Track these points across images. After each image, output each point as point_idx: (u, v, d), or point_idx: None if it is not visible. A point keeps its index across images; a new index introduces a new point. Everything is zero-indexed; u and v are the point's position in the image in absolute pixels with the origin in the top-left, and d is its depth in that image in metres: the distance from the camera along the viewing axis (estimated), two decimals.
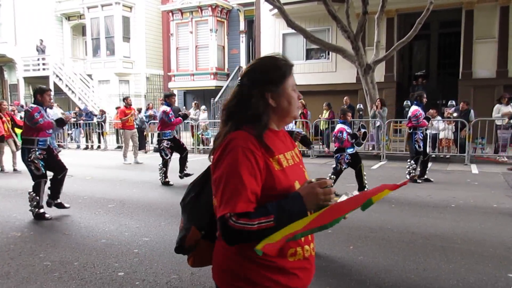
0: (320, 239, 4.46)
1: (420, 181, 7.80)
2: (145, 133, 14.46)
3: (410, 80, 16.85)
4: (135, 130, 12.06)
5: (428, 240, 4.39)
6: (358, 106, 12.84)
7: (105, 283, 3.42)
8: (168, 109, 7.95)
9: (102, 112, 16.01)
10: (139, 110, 15.01)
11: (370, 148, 12.20)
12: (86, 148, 15.62)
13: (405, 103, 12.25)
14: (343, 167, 6.78)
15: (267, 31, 17.22)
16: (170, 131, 8.03)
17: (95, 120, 15.78)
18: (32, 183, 5.49)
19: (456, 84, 13.87)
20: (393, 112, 14.13)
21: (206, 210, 1.55)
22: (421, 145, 7.77)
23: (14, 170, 9.72)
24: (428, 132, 10.96)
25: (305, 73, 16.44)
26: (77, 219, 5.42)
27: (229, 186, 1.31)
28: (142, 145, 14.24)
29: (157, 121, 8.96)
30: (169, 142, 7.97)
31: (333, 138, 7.16)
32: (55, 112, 13.14)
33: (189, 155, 12.82)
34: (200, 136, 14.25)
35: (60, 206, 5.72)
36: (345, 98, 13.02)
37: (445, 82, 15.45)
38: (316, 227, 1.28)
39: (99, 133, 15.76)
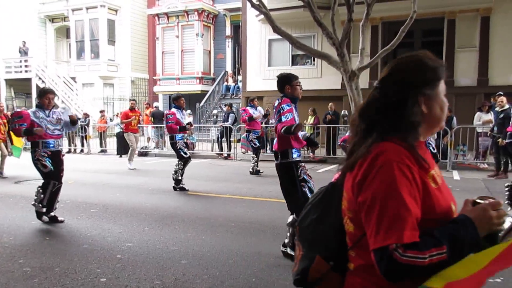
0: None
1: None
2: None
3: None
4: (138, 134, 11.81)
5: None
6: (343, 112, 12.96)
7: None
8: (171, 111, 7.73)
9: (86, 116, 15.80)
10: None
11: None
12: (69, 151, 15.38)
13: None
14: None
15: (253, 36, 17.28)
16: (182, 135, 7.84)
17: (78, 123, 15.56)
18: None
19: None
20: None
21: (333, 237, 1.30)
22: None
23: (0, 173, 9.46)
24: None
25: None
26: (58, 224, 5.31)
27: (389, 210, 1.08)
28: (127, 149, 14.09)
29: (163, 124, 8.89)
30: (183, 143, 7.89)
31: (340, 144, 7.20)
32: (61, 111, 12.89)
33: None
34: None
35: (54, 220, 5.39)
36: (330, 104, 13.13)
37: None
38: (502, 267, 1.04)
39: (82, 136, 15.55)
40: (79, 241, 4.63)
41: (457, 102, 13.30)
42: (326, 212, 1.35)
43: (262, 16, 14.19)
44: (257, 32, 17.13)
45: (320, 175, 9.55)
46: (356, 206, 1.17)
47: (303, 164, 3.97)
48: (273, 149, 4.05)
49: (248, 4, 13.72)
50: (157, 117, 14.55)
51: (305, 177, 3.87)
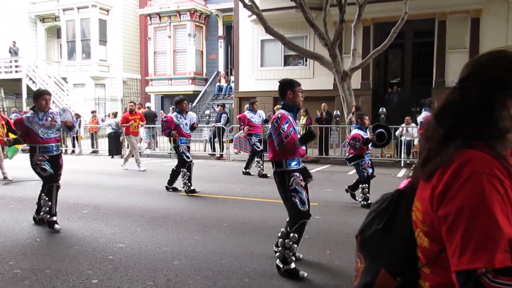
0: None
1: None
2: (121, 137, 14.26)
3: (386, 87, 17.19)
4: (138, 137, 11.51)
5: None
6: (335, 113, 13.01)
7: None
8: (169, 117, 7.56)
9: (77, 116, 15.67)
10: (115, 115, 14.80)
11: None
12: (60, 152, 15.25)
13: (380, 110, 12.48)
14: (370, 172, 6.47)
15: (246, 37, 17.29)
16: (186, 138, 7.55)
17: (76, 127, 15.45)
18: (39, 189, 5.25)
19: (430, 93, 14.22)
20: (369, 118, 14.32)
21: (401, 250, 1.18)
22: None
23: None
24: (402, 138, 11.21)
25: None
26: None
27: (477, 228, 0.96)
28: (118, 150, 14.03)
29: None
30: (186, 147, 7.56)
31: (346, 144, 6.72)
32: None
33: (166, 160, 12.76)
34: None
35: (51, 225, 5.06)
36: (322, 104, 13.17)
37: (419, 90, 15.82)
38: None
39: (73, 137, 15.44)
40: (70, 242, 4.59)
41: None
42: (392, 222, 1.22)
43: (254, 17, 14.22)
44: (249, 32, 17.14)
45: (312, 174, 9.55)
46: (435, 219, 1.05)
47: (297, 174, 3.77)
48: (268, 158, 3.94)
49: (241, 5, 13.73)
50: (149, 117, 14.49)
51: (296, 187, 3.71)
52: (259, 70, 17.10)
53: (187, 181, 7.34)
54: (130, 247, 4.41)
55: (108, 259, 4.04)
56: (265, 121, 9.60)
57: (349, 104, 12.75)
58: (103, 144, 15.12)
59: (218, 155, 13.26)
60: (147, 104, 16.88)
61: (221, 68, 21.47)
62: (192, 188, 7.34)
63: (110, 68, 22.09)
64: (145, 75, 22.63)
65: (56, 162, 5.25)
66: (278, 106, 12.91)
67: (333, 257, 4.09)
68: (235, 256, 4.11)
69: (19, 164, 8.68)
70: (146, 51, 22.49)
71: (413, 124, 11.45)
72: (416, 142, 11.33)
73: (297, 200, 3.66)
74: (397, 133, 11.35)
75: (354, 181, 6.78)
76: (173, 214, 5.86)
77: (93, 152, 15.23)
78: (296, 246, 3.65)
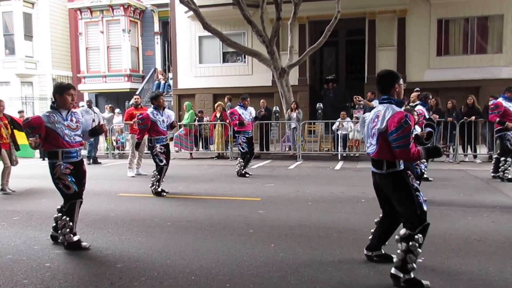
0: (242, 238, 4.54)
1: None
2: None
3: (322, 83, 17.80)
4: (145, 136, 10.61)
5: (342, 233, 4.69)
6: (274, 109, 13.25)
7: None
8: (149, 112, 7.10)
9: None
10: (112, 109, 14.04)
11: (287, 149, 12.64)
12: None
13: (317, 105, 12.89)
14: (422, 167, 6.13)
15: (183, 33, 17.04)
16: (163, 136, 7.13)
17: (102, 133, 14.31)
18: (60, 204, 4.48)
19: (363, 88, 14.93)
20: (307, 114, 14.80)
21: None
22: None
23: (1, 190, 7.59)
24: (339, 133, 11.69)
25: (222, 76, 16.56)
26: None
27: None
28: None
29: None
30: (162, 147, 7.09)
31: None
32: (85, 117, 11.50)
33: (103, 161, 12.27)
34: (114, 140, 13.65)
35: (75, 246, 4.33)
36: (261, 100, 13.34)
37: (353, 86, 16.57)
38: None
39: None
40: (1, 251, 4.29)
41: (379, 97, 14.27)
42: None
43: (191, 13, 14.05)
44: (186, 28, 16.92)
45: (254, 170, 9.70)
46: None
47: (409, 172, 3.44)
48: (377, 157, 3.45)
49: (177, 0, 13.50)
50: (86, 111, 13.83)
51: (418, 187, 3.41)
52: (197, 67, 16.95)
53: (156, 182, 7.04)
54: (69, 252, 4.22)
55: (45, 267, 3.83)
56: (255, 119, 9.27)
57: (287, 100, 13.05)
58: None
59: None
60: (81, 103, 16.08)
61: (158, 65, 20.99)
62: (159, 190, 7.04)
63: (37, 65, 20.76)
64: (77, 72, 21.55)
65: (80, 170, 4.51)
66: (220, 103, 12.91)
67: (277, 249, 4.20)
68: (181, 255, 4.08)
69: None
70: (77, 47, 21.41)
71: (348, 119, 11.97)
72: (351, 135, 11.87)
73: (421, 200, 3.31)
74: (333, 127, 11.81)
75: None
76: (113, 216, 5.68)
77: None
78: (419, 250, 3.26)
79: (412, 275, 3.24)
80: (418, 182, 5.42)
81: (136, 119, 7.59)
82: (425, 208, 3.29)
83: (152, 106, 7.22)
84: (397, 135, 3.20)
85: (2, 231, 5.04)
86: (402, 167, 3.38)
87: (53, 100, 4.37)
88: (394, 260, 3.44)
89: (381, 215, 3.79)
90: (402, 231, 3.34)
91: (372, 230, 3.83)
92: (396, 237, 3.38)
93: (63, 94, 4.28)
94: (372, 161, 3.57)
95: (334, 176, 8.97)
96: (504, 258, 3.83)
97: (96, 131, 4.69)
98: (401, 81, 3.49)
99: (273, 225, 5.06)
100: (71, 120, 4.37)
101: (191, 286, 3.37)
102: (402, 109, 3.45)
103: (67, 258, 4.07)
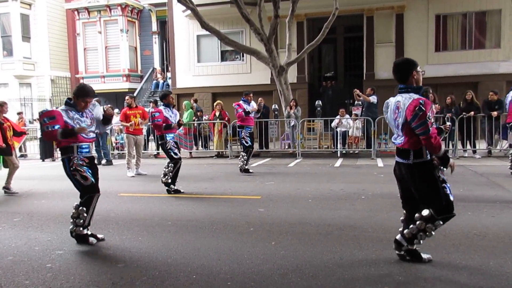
0: (242, 237, 4.55)
1: None
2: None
3: (320, 81, 17.79)
4: (142, 136, 10.14)
5: (343, 230, 4.70)
6: (273, 107, 13.25)
7: None
8: (158, 109, 7.21)
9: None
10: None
11: (286, 147, 12.65)
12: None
13: (316, 102, 12.90)
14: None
15: (181, 32, 17.03)
16: (173, 134, 7.23)
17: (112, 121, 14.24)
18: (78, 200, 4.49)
19: (361, 85, 14.94)
20: (306, 111, 14.81)
21: None
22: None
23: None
24: (338, 130, 11.69)
25: (221, 74, 16.57)
26: None
27: None
28: (51, 153, 13.24)
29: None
30: (174, 143, 7.20)
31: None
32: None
33: (103, 161, 12.24)
34: (114, 140, 13.65)
35: (83, 239, 4.44)
36: (260, 99, 13.34)
37: (352, 83, 16.55)
38: None
39: None
40: (2, 253, 4.30)
41: (378, 94, 14.20)
42: None
43: (189, 12, 14.05)
44: (184, 28, 16.91)
45: (254, 168, 9.70)
46: None
47: (435, 163, 3.45)
48: (404, 146, 3.48)
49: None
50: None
51: (444, 177, 3.47)
52: (196, 66, 16.95)
53: (168, 178, 7.03)
54: (70, 253, 4.22)
55: (46, 268, 3.84)
56: (258, 111, 9.43)
57: (286, 98, 13.05)
58: (33, 148, 14.21)
59: (156, 153, 12.97)
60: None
61: (156, 64, 20.98)
62: (172, 186, 7.06)
63: (35, 66, 20.74)
64: (75, 73, 21.53)
65: (94, 165, 4.56)
66: (219, 101, 12.89)
67: (278, 247, 4.20)
68: (182, 254, 4.08)
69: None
70: (75, 48, 21.39)
71: (347, 116, 11.97)
72: (350, 132, 11.87)
73: (448, 191, 3.36)
74: (332, 124, 11.81)
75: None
76: (114, 216, 5.68)
77: (21, 156, 14.24)
78: (432, 233, 3.40)
79: (415, 247, 3.43)
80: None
81: (150, 118, 7.64)
82: (451, 198, 3.35)
83: (162, 104, 7.36)
84: (415, 123, 3.29)
85: (3, 233, 5.04)
86: (428, 157, 3.40)
87: (70, 98, 4.49)
88: (405, 231, 3.52)
89: (404, 212, 3.75)
90: (425, 211, 3.39)
91: (400, 229, 3.69)
92: (417, 215, 3.44)
93: (79, 98, 4.40)
94: (397, 150, 3.60)
95: (333, 173, 8.97)
96: (504, 253, 3.84)
97: (107, 119, 4.79)
98: (418, 68, 3.52)
99: (273, 223, 5.07)
100: (86, 117, 4.50)
101: (192, 285, 3.38)
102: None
103: (68, 258, 4.08)
